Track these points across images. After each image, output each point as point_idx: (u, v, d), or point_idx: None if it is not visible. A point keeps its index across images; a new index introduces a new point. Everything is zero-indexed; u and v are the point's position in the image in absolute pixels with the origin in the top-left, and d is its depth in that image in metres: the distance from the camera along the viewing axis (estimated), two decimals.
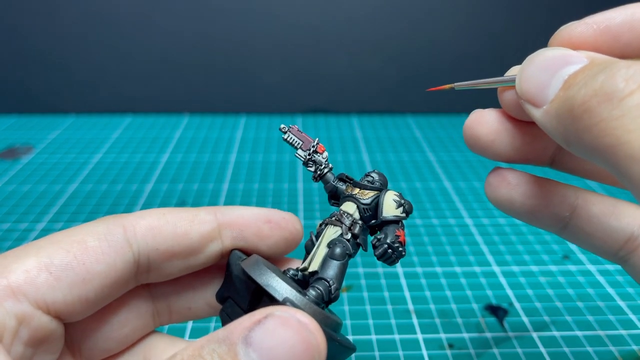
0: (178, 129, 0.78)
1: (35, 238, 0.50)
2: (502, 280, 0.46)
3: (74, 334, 0.23)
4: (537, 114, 0.20)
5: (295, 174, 0.64)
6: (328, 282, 0.23)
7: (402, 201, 0.25)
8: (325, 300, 0.23)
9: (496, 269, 0.47)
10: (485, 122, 0.24)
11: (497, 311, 0.42)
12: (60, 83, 0.81)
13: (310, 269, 0.23)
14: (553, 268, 0.47)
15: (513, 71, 0.23)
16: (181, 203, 0.57)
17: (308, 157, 0.26)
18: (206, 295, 0.26)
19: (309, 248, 0.25)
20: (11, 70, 0.80)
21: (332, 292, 0.23)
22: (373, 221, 0.25)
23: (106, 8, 0.77)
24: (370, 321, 0.41)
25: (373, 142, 0.74)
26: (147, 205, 0.57)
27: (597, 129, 0.17)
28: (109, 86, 0.82)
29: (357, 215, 0.25)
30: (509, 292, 0.44)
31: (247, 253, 0.25)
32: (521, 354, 0.38)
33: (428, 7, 0.78)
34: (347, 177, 0.27)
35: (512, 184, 0.24)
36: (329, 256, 0.23)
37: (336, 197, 0.26)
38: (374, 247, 0.24)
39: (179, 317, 0.26)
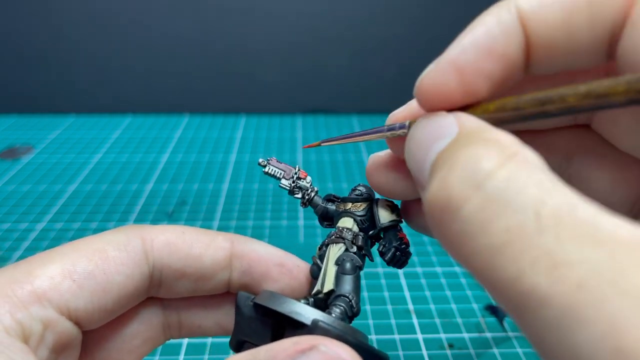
0: (178, 129, 0.78)
1: (35, 238, 0.50)
2: None
3: (89, 343, 0.23)
4: (422, 198, 0.17)
5: None
6: (347, 297, 0.23)
7: (394, 206, 0.25)
8: (349, 316, 0.23)
9: None
10: (383, 171, 0.23)
11: (497, 311, 0.42)
12: (60, 83, 0.81)
13: (325, 290, 0.23)
14: None
15: (390, 119, 0.22)
16: (181, 203, 0.57)
17: (293, 184, 0.26)
18: (217, 316, 0.26)
19: (315, 273, 0.25)
20: (11, 70, 0.80)
21: (354, 305, 0.23)
22: (371, 231, 0.25)
23: (106, 8, 0.77)
24: (370, 321, 0.41)
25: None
26: (147, 206, 0.57)
27: (442, 240, 0.15)
28: (109, 86, 0.82)
29: (356, 229, 0.25)
30: None
31: (253, 294, 0.25)
32: (521, 354, 0.38)
33: (429, 7, 0.78)
34: (334, 196, 0.27)
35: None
36: (341, 273, 0.23)
37: (327, 218, 0.26)
38: (382, 254, 0.24)
39: (189, 332, 0.26)
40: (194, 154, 0.70)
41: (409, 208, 0.25)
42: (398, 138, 0.21)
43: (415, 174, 0.18)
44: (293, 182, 0.26)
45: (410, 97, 0.21)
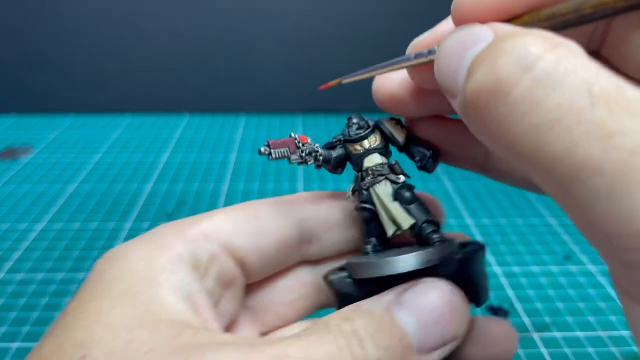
0: (178, 129, 0.78)
1: (35, 238, 0.50)
2: (503, 280, 0.45)
3: (252, 299, 0.26)
4: (454, 106, 0.18)
5: (295, 173, 0.64)
6: (430, 219, 0.23)
7: (397, 120, 0.26)
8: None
9: (497, 269, 0.47)
10: (393, 94, 0.24)
11: (497, 312, 0.42)
12: (60, 83, 0.81)
13: (407, 227, 0.23)
14: (554, 268, 0.47)
15: (412, 47, 0.22)
16: (181, 203, 0.57)
17: (302, 154, 0.25)
18: None
19: (368, 217, 0.24)
20: (10, 70, 0.79)
21: (437, 222, 0.23)
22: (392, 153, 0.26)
23: (106, 7, 0.77)
24: None
25: None
26: (147, 205, 0.56)
27: (485, 128, 0.16)
28: (109, 86, 0.81)
29: (384, 160, 0.25)
30: (510, 292, 0.44)
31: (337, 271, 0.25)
32: (522, 354, 0.38)
33: (429, 5, 0.78)
34: (337, 140, 0.26)
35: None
36: (407, 204, 0.24)
37: (342, 164, 0.26)
38: (424, 167, 0.25)
39: None
40: (194, 154, 0.70)
41: (415, 124, 0.26)
42: (422, 67, 0.20)
43: (446, 85, 0.18)
44: (301, 151, 0.25)
45: None
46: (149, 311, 0.19)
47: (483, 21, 0.17)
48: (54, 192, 0.59)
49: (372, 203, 0.24)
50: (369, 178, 0.24)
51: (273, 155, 0.24)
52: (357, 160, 0.25)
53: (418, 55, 0.20)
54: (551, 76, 0.14)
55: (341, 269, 0.25)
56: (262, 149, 0.24)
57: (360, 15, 0.79)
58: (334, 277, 0.24)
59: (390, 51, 0.89)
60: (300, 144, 0.25)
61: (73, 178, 0.62)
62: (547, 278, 0.46)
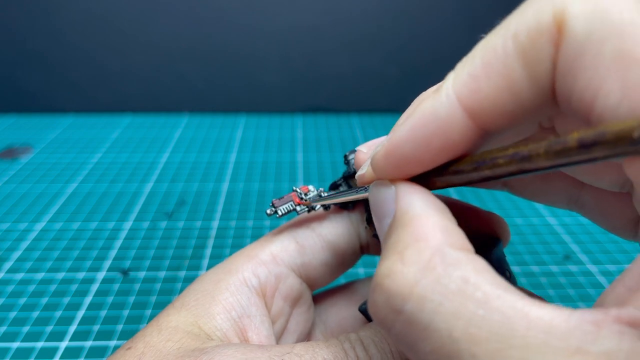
0: (178, 129, 0.78)
1: (35, 238, 0.50)
2: None
3: (323, 314, 0.28)
4: None
5: (295, 174, 0.64)
6: None
7: None
8: None
9: None
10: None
11: None
12: (60, 83, 0.81)
13: None
14: (554, 268, 0.47)
15: (357, 152, 0.24)
16: (181, 203, 0.57)
17: (307, 205, 0.26)
18: None
19: None
20: (10, 70, 0.79)
21: None
22: None
23: (105, 7, 0.77)
24: None
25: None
26: (147, 205, 0.56)
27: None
28: (109, 86, 0.81)
29: None
30: None
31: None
32: None
33: (429, 5, 0.78)
34: (340, 179, 0.26)
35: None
36: None
37: (349, 200, 0.26)
38: None
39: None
40: (194, 154, 0.70)
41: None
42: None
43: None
44: (306, 203, 0.26)
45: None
46: (197, 322, 0.22)
47: (394, 176, 0.18)
48: (53, 192, 0.59)
49: None
50: None
51: (280, 213, 0.26)
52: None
53: (361, 190, 0.22)
54: (419, 319, 0.14)
55: None
56: (268, 211, 0.26)
57: (360, 16, 0.79)
58: (364, 306, 0.25)
59: (389, 50, 0.89)
60: (303, 195, 0.26)
61: (73, 178, 0.62)
62: (547, 278, 0.46)
